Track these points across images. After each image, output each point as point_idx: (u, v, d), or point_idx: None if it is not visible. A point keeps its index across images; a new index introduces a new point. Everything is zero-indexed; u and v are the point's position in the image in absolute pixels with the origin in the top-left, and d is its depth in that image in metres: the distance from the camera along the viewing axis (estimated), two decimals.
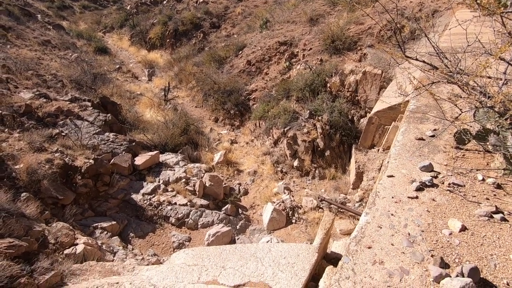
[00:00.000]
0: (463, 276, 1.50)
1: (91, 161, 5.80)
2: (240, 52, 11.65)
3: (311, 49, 10.04)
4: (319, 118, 7.66)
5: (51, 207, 4.89)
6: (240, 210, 6.38)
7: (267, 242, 5.47)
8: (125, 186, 6.12)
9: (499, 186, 2.19)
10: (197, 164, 7.20)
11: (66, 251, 3.90)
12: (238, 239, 5.72)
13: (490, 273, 1.60)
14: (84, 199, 5.52)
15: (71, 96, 7.77)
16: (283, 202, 6.32)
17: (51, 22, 15.74)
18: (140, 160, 6.69)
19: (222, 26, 15.35)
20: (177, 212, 5.84)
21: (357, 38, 9.46)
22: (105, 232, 5.09)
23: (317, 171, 7.30)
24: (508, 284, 1.53)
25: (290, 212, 6.14)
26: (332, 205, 6.11)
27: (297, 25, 11.66)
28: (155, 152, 7.04)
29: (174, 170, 6.79)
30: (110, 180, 5.98)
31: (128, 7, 20.90)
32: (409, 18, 9.26)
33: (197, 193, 6.27)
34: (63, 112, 6.97)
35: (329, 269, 2.77)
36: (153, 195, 6.10)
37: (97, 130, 6.93)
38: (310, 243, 3.98)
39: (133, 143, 7.05)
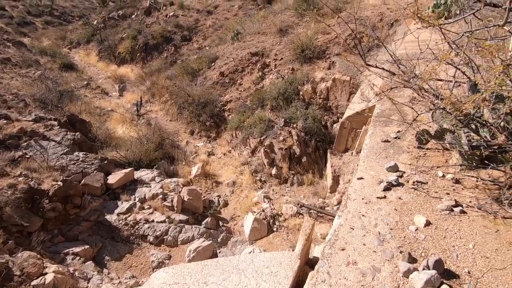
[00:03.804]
0: (429, 269, 1.60)
1: (59, 183, 5.49)
2: (213, 64, 11.71)
3: (282, 58, 10.32)
4: (294, 125, 7.84)
5: (15, 236, 4.54)
6: (220, 223, 6.29)
7: (250, 252, 5.42)
8: (98, 207, 5.84)
9: (457, 181, 2.37)
10: (174, 179, 7.04)
11: (34, 282, 3.62)
12: (220, 252, 5.62)
13: (453, 264, 1.72)
14: (53, 224, 5.19)
15: (35, 115, 7.36)
16: (263, 211, 6.32)
17: (11, 39, 14.93)
18: (113, 178, 6.43)
19: (193, 39, 15.38)
20: (155, 229, 5.65)
21: (325, 47, 9.88)
22: (78, 258, 4.80)
23: (295, 178, 7.40)
24: (469, 272, 1.65)
25: (271, 221, 6.15)
26: (311, 210, 6.20)
27: (268, 36, 11.96)
28: (129, 169, 6.81)
29: (150, 187, 6.60)
30: (81, 202, 5.68)
31: (95, 22, 20.35)
32: (371, 28, 9.86)
33: (175, 208, 6.11)
34: (27, 133, 6.57)
35: (311, 274, 2.80)
36: (129, 214, 5.87)
37: (65, 150, 6.59)
38: (293, 250, 4.00)
39: (105, 161, 6.78)
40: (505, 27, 1.34)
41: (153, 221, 5.81)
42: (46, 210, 5.08)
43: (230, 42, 12.80)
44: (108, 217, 5.72)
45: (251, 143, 8.21)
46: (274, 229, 6.06)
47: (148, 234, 5.59)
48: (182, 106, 10.49)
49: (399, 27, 9.34)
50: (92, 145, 7.44)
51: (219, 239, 5.81)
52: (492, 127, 2.07)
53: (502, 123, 2.14)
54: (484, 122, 2.14)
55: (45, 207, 5.09)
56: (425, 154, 2.68)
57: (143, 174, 7.02)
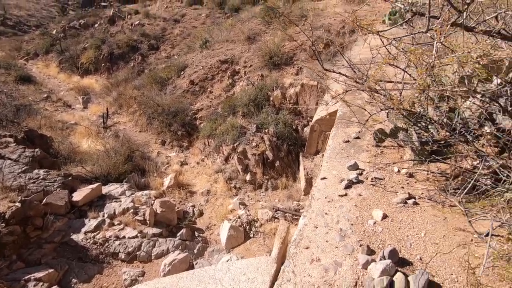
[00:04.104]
0: (385, 259, 1.72)
1: (17, 204, 5.10)
2: (182, 72, 11.60)
3: (251, 65, 10.48)
4: (266, 131, 7.95)
5: None
6: (196, 233, 6.17)
7: (227, 261, 5.37)
8: (62, 226, 5.49)
9: (411, 175, 2.57)
10: (145, 192, 6.82)
11: None
12: (196, 263, 5.51)
13: (407, 252, 1.85)
14: (11, 249, 4.79)
15: None
16: (239, 218, 6.30)
17: None
18: (79, 195, 6.10)
19: (161, 48, 15.15)
20: (127, 246, 5.41)
21: (293, 54, 10.20)
22: (41, 283, 4.47)
23: (269, 183, 7.48)
24: (420, 259, 1.79)
25: (247, 227, 6.14)
26: (286, 214, 6.29)
27: (236, 43, 12.10)
28: (97, 184, 6.49)
29: (120, 201, 6.33)
30: (43, 223, 5.31)
31: (54, 32, 19.33)
32: (335, 34, 10.37)
33: (148, 222, 5.91)
34: None
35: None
36: (97, 231, 5.58)
37: (23, 168, 6.16)
38: (269, 255, 4.03)
39: (69, 178, 6.42)
40: (428, 34, 1.51)
41: (124, 237, 5.56)
42: (2, 234, 4.69)
43: (199, 50, 12.78)
44: (74, 236, 5.39)
45: (224, 151, 8.20)
46: (251, 235, 6.05)
47: (119, 251, 5.34)
48: (151, 116, 10.24)
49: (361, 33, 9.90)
50: (54, 161, 7.02)
51: (195, 250, 5.69)
52: (436, 123, 2.28)
53: (444, 120, 2.36)
54: (429, 120, 2.35)
55: (1, 231, 4.69)
56: (382, 152, 2.87)
57: (112, 188, 6.73)
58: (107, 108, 11.10)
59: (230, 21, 14.14)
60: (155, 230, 5.81)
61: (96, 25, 18.83)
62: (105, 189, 6.61)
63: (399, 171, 2.60)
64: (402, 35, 2.30)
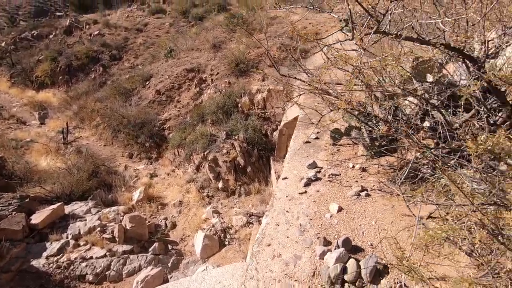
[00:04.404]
0: (339, 248, 1.85)
1: None
2: (147, 82, 11.36)
3: (218, 73, 10.55)
4: (236, 137, 8.02)
5: None
6: (170, 246, 6.02)
7: (203, 271, 5.31)
8: (20, 253, 5.10)
9: (364, 170, 2.78)
10: (113, 208, 6.54)
11: None
12: (171, 277, 5.37)
13: (359, 240, 2.01)
14: None
15: None
16: (213, 226, 6.26)
17: None
18: (38, 217, 5.70)
19: (124, 58, 14.71)
20: (95, 266, 5.14)
21: (258, 60, 10.44)
22: None
23: (242, 188, 7.52)
24: (371, 245, 1.95)
25: (222, 235, 6.12)
26: (260, 218, 6.37)
27: (202, 52, 12.12)
28: (58, 204, 6.11)
29: (86, 220, 6.01)
30: None
31: (3, 44, 17.97)
32: (296, 41, 10.81)
33: (117, 239, 5.67)
34: None
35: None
36: (61, 254, 5.24)
37: None
38: (245, 260, 4.06)
39: (27, 200, 5.99)
40: (353, 40, 1.70)
41: (91, 257, 5.28)
42: None
43: (164, 60, 12.60)
44: (34, 262, 5.02)
45: (195, 160, 8.12)
46: (226, 243, 6.03)
47: (87, 273, 5.05)
48: (116, 128, 9.87)
49: (323, 40, 10.39)
50: (8, 183, 6.51)
51: (169, 264, 5.55)
52: (381, 120, 2.50)
53: (389, 117, 2.59)
54: (375, 117, 2.58)
55: None
56: (339, 150, 3.07)
57: (76, 207, 6.37)
58: (67, 123, 10.51)
59: (194, 29, 14.14)
60: (126, 247, 5.59)
61: (51, 36, 17.80)
62: (68, 209, 6.24)
63: (353, 166, 2.81)
64: (346, 41, 2.50)
